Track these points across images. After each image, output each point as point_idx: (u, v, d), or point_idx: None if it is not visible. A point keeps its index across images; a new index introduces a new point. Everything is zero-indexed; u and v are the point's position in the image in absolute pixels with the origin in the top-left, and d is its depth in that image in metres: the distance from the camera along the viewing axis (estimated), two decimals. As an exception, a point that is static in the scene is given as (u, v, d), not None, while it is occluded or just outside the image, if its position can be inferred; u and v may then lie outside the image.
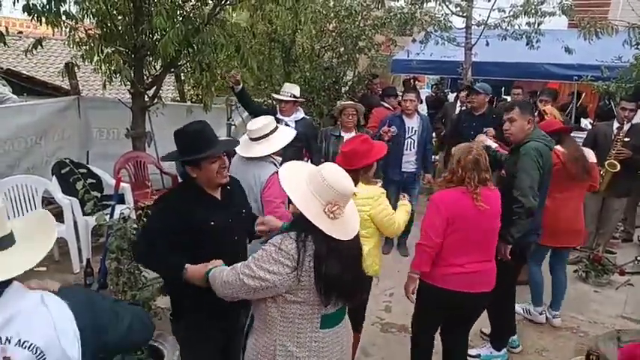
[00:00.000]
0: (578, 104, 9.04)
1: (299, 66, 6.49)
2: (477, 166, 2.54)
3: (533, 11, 6.34)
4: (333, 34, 6.59)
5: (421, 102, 6.71)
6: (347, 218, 1.80)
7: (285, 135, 3.02)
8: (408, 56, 7.20)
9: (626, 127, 4.55)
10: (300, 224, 1.75)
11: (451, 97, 9.24)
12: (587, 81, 5.75)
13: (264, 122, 2.97)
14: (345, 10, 6.40)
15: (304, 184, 1.77)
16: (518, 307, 3.79)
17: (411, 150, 4.95)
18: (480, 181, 2.54)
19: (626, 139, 4.50)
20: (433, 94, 9.90)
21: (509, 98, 8.61)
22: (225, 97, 6.02)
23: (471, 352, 3.38)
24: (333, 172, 1.77)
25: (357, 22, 6.50)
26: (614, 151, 4.50)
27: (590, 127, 6.96)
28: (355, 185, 2.57)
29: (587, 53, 6.20)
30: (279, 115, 4.56)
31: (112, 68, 4.25)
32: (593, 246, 4.84)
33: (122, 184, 4.28)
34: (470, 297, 2.58)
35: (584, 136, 5.16)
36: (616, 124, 4.62)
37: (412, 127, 4.95)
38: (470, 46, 6.80)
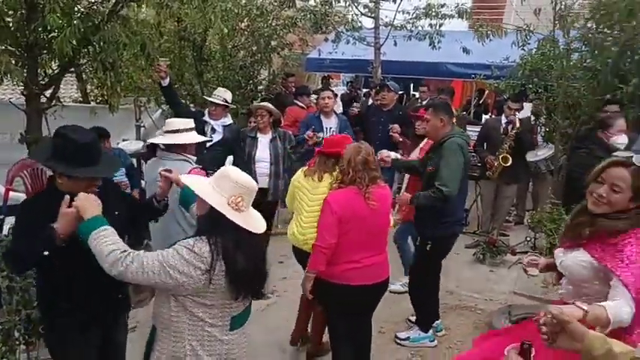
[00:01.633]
0: (482, 101, 9.82)
1: (212, 65, 6.41)
2: (366, 166, 2.64)
3: (434, 14, 6.79)
4: (246, 32, 6.58)
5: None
6: (253, 214, 1.88)
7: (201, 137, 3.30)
8: (320, 55, 7.38)
9: (517, 122, 5.05)
10: (207, 223, 1.78)
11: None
12: (480, 79, 6.26)
13: (183, 121, 3.18)
14: (257, 9, 6.41)
15: (207, 183, 1.86)
16: (399, 286, 4.16)
17: None
18: (370, 181, 2.65)
19: (515, 132, 4.99)
20: (348, 92, 10.19)
21: (417, 94, 9.14)
22: (134, 98, 5.80)
23: (399, 334, 3.64)
24: (235, 170, 1.88)
25: (269, 22, 6.54)
26: (506, 145, 4.98)
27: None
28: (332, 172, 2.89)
29: (484, 53, 6.74)
30: (206, 118, 4.51)
31: (2, 69, 3.95)
32: (489, 230, 5.32)
33: (14, 194, 3.98)
34: (368, 289, 2.73)
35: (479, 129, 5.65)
36: (504, 120, 5.11)
37: (330, 128, 5.07)
38: (379, 46, 7.13)
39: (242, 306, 1.87)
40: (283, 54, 6.95)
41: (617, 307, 1.66)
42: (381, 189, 2.75)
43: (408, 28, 7.04)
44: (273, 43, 6.61)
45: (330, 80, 9.52)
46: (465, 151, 3.33)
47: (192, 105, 5.87)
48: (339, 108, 6.91)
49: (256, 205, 1.93)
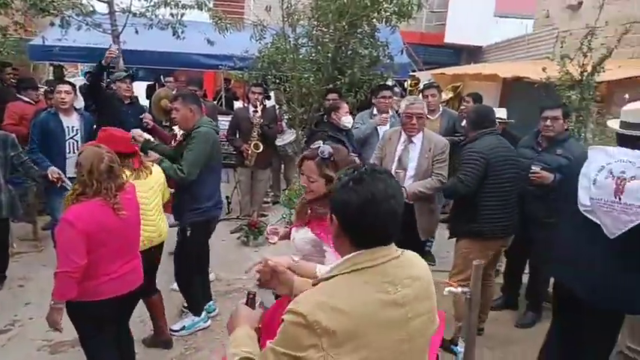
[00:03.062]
0: (229, 88, 10.21)
1: None
2: (112, 174, 2.41)
3: (173, 3, 6.65)
4: None
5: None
6: None
7: None
8: (44, 42, 6.39)
9: (260, 110, 5.44)
10: None
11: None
12: (226, 70, 6.52)
13: None
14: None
15: None
16: None
17: (74, 153, 4.36)
18: (117, 189, 2.43)
19: (262, 121, 5.40)
20: (87, 83, 9.21)
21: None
22: None
23: (173, 327, 3.59)
24: None
25: (-32, -1, 5.33)
26: (255, 133, 5.33)
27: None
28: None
29: (227, 45, 6.98)
30: None
31: None
32: (250, 213, 5.66)
33: None
34: (125, 297, 2.57)
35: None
36: (252, 108, 5.46)
37: (73, 127, 4.45)
38: (117, 34, 6.60)
39: None
40: (-7, 40, 5.77)
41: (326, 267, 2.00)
42: (128, 193, 2.56)
43: (148, 16, 6.71)
44: (-25, 26, 5.41)
45: (66, 71, 8.42)
46: (213, 139, 3.48)
47: None
48: (79, 103, 6.16)
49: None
